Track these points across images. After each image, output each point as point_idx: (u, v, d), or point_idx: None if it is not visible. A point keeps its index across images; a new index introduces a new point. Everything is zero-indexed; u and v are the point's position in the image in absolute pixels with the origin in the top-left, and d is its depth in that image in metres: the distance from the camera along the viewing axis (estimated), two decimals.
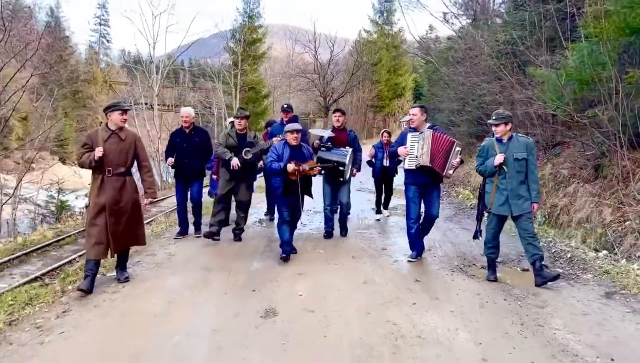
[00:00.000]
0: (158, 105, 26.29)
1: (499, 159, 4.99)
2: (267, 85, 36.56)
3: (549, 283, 4.91)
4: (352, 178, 7.21)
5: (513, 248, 6.54)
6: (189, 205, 7.20)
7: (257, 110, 31.28)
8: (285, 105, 7.77)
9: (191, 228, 7.28)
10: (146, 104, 26.82)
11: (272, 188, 6.51)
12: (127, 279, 4.96)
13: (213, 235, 6.40)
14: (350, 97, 40.97)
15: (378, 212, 8.95)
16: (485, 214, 5.34)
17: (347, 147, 6.92)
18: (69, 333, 3.73)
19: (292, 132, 5.81)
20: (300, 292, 4.62)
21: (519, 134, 5.29)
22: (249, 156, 6.40)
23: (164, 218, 9.16)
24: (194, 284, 4.92)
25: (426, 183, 5.75)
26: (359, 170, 7.34)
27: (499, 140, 5.12)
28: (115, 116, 4.76)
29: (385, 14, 45.20)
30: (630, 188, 7.42)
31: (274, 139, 6.78)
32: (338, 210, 7.25)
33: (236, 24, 36.32)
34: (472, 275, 5.34)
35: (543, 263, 5.05)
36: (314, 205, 8.60)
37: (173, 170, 7.25)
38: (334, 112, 7.53)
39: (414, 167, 5.64)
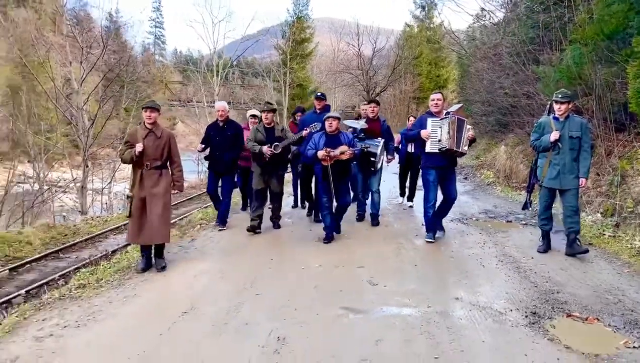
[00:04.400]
0: (208, 102, 29.34)
1: (554, 135, 5.29)
2: (313, 81, 38.94)
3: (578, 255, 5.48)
4: (383, 166, 7.37)
5: (505, 209, 8.60)
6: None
7: (305, 105, 33.48)
8: (319, 93, 7.62)
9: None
10: (207, 102, 29.63)
11: (315, 176, 6.71)
12: (163, 268, 5.23)
13: (255, 229, 6.73)
14: (392, 90, 42.68)
15: (402, 194, 9.27)
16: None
17: (379, 138, 7.04)
18: (202, 248, 6.13)
19: (327, 118, 6.01)
20: (343, 230, 6.81)
21: (574, 115, 5.55)
22: (279, 150, 6.50)
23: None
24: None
25: (445, 166, 5.99)
26: (393, 157, 7.58)
27: (556, 118, 5.40)
28: (144, 114, 5.21)
29: (426, 9, 46.56)
30: (609, 162, 9.25)
31: (304, 130, 6.72)
32: (370, 199, 7.40)
33: (286, 24, 38.77)
34: (465, 223, 7.44)
35: (578, 237, 5.54)
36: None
37: (207, 162, 7.39)
38: (369, 103, 7.46)
39: (437, 151, 5.84)
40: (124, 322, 3.91)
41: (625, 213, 7.08)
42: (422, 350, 3.30)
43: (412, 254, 5.69)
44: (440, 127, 5.80)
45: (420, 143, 6.21)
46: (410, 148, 8.58)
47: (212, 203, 7.93)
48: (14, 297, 5.72)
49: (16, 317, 4.10)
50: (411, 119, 9.00)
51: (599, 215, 7.35)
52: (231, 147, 6.97)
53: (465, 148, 5.84)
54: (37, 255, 7.40)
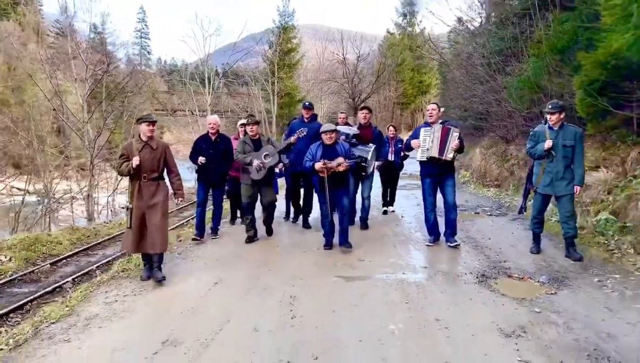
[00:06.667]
0: (194, 112, 30.68)
1: (548, 144, 5.46)
2: (301, 90, 40.29)
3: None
4: (374, 172, 7.78)
5: (474, 203, 9.91)
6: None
7: (294, 113, 34.76)
8: (307, 103, 7.77)
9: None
10: (200, 111, 30.78)
11: (313, 186, 6.80)
12: (164, 278, 5.31)
13: (252, 239, 7.05)
14: (377, 97, 44.17)
15: (385, 204, 9.32)
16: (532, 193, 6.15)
17: (370, 144, 7.32)
18: (218, 241, 7.28)
19: (325, 132, 6.11)
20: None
21: (569, 124, 5.67)
22: (268, 159, 6.65)
23: None
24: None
25: (439, 173, 6.25)
26: (383, 163, 8.21)
27: (551, 127, 5.56)
28: (143, 127, 5.27)
29: (407, 17, 48.33)
30: None
31: (292, 136, 6.86)
32: (361, 204, 7.73)
33: (272, 34, 40.05)
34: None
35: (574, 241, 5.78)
36: None
37: (196, 174, 7.40)
38: (361, 109, 7.68)
39: (425, 159, 6.18)
40: (170, 291, 5.07)
41: None
42: (396, 299, 4.53)
43: (392, 239, 6.95)
44: (429, 136, 6.12)
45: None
46: (391, 156, 8.79)
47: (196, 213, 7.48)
48: (64, 283, 6.83)
49: (81, 291, 5.24)
50: (391, 128, 9.14)
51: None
52: (223, 160, 7.14)
53: (450, 155, 6.04)
54: (70, 252, 8.52)
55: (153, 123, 5.33)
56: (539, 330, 3.77)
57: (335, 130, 6.19)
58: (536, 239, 6.10)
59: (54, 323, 4.30)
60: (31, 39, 40.84)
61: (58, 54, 26.33)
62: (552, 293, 4.61)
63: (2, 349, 3.83)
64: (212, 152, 7.06)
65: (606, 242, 6.24)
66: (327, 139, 6.09)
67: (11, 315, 5.78)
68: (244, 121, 8.06)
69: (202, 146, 7.13)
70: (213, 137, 7.14)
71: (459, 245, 6.32)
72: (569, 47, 10.06)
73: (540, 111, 11.33)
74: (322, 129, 6.20)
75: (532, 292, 4.70)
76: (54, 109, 17.04)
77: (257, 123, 6.91)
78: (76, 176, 20.99)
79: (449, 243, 6.35)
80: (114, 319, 4.36)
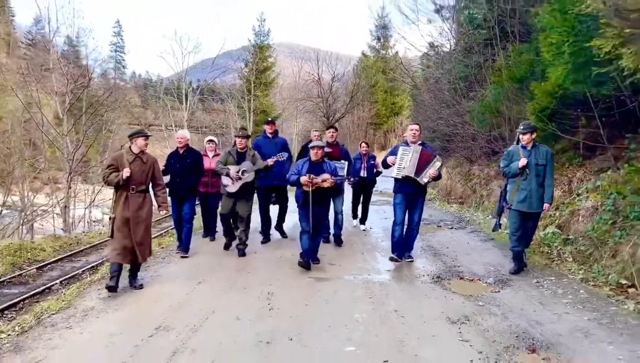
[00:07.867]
0: (169, 126, 31.00)
1: (522, 162, 5.71)
2: (277, 108, 41.04)
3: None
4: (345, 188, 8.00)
5: (438, 217, 10.67)
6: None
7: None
8: (269, 118, 8.06)
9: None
10: (177, 127, 31.10)
11: (295, 199, 6.54)
12: (141, 286, 5.64)
13: (229, 246, 7.44)
14: (351, 117, 45.17)
15: (355, 217, 9.64)
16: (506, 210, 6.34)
17: (342, 161, 7.60)
18: (198, 249, 7.78)
19: (314, 148, 6.22)
20: None
21: (540, 144, 6.00)
22: (245, 176, 6.75)
23: None
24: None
25: (411, 193, 6.37)
26: (354, 178, 7.96)
27: (524, 147, 5.85)
28: (140, 141, 5.55)
29: (381, 40, 49.80)
30: None
31: (271, 159, 6.94)
32: (334, 220, 7.77)
33: (248, 54, 40.87)
34: None
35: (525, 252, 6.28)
36: None
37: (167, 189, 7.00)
38: (328, 128, 8.11)
39: (400, 177, 6.28)
40: (158, 289, 5.58)
41: None
42: (362, 295, 5.19)
43: (361, 247, 7.63)
44: (407, 155, 6.23)
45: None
46: (363, 173, 8.85)
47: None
48: (52, 285, 7.22)
49: (75, 289, 5.71)
50: (363, 145, 9.19)
51: (504, 219, 9.44)
52: (191, 173, 7.15)
53: (425, 179, 6.19)
54: (54, 259, 8.87)
55: (148, 137, 5.69)
56: (480, 318, 4.46)
57: (323, 148, 6.35)
58: (516, 258, 6.14)
59: (54, 314, 4.78)
60: (2, 49, 40.62)
61: (32, 65, 26.38)
62: (496, 292, 5.32)
63: (9, 334, 4.31)
64: (179, 166, 7.16)
65: (550, 251, 7.02)
66: (313, 154, 6.19)
67: (6, 312, 6.17)
68: (211, 138, 8.66)
69: (171, 161, 7.27)
70: (181, 151, 7.24)
71: (412, 260, 6.66)
72: (526, 76, 10.97)
73: (499, 133, 12.30)
74: (311, 145, 6.34)
75: (479, 290, 5.41)
76: (28, 120, 17.24)
77: (248, 137, 7.06)
78: (51, 188, 21.10)
79: (403, 258, 6.66)
80: (109, 311, 4.87)
